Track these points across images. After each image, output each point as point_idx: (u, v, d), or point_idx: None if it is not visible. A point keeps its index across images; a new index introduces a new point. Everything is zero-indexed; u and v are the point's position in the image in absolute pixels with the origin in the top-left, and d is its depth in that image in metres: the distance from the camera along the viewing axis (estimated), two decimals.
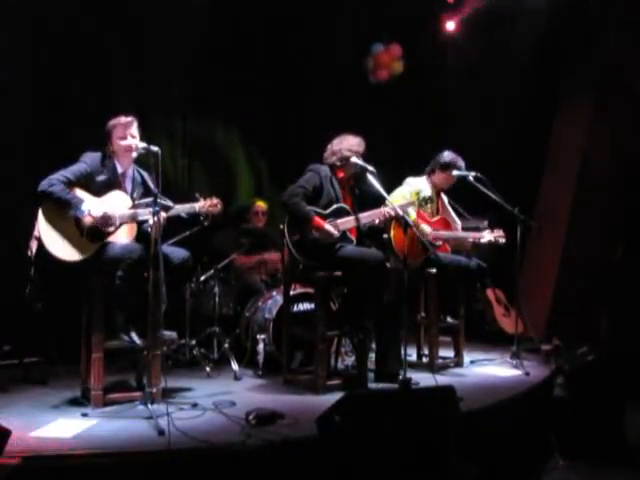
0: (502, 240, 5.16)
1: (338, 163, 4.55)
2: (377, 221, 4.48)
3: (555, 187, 7.10)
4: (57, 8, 5.35)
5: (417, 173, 5.20)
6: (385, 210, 4.44)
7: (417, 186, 5.03)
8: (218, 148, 6.71)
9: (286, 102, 6.80)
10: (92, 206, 3.84)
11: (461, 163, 5.11)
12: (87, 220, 3.83)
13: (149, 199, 3.81)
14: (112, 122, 4.06)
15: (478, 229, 5.36)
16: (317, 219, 4.34)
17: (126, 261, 3.82)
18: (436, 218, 5.13)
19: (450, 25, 7.33)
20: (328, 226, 4.34)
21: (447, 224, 5.17)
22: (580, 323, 6.27)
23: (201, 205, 4.08)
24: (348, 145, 4.55)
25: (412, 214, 4.88)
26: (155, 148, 3.82)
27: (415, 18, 7.06)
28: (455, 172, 5.11)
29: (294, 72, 6.82)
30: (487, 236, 5.13)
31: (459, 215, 5.36)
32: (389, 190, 4.68)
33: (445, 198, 5.29)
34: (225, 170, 6.76)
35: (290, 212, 4.38)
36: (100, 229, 3.87)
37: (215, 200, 4.13)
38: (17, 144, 5.20)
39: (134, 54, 5.83)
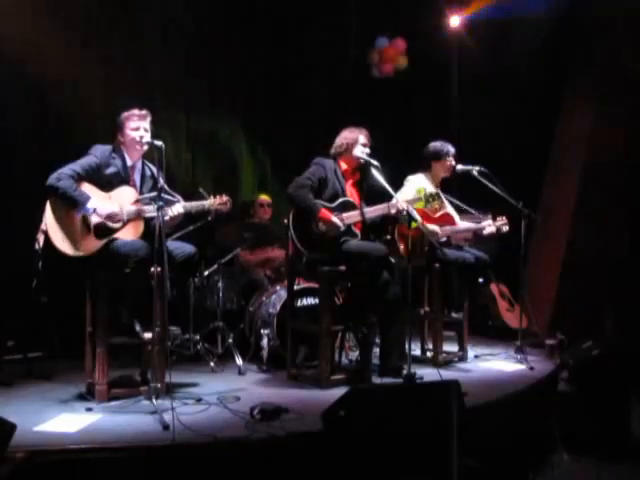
0: (506, 227, 5.15)
1: (333, 151, 4.61)
2: (393, 211, 4.44)
3: (558, 183, 7.10)
4: (60, 4, 5.36)
5: (417, 170, 5.22)
6: (398, 204, 4.39)
7: (418, 183, 5.02)
8: (221, 143, 6.72)
9: (290, 97, 6.79)
10: (98, 204, 3.81)
11: (451, 147, 5.15)
12: (93, 219, 3.82)
13: (154, 194, 3.78)
14: (126, 113, 4.04)
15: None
16: (324, 211, 4.34)
17: (132, 259, 3.80)
18: (440, 213, 5.11)
19: (454, 20, 7.29)
20: (335, 218, 4.34)
21: (451, 219, 5.15)
22: (584, 317, 6.25)
23: (211, 203, 4.06)
24: (343, 136, 4.63)
25: (417, 218, 4.86)
26: (159, 143, 3.79)
27: (419, 12, 7.03)
28: (460, 166, 5.14)
29: (298, 66, 6.81)
30: (490, 227, 5.12)
31: (461, 211, 5.35)
32: (393, 185, 4.66)
33: (442, 195, 5.27)
34: (228, 165, 6.76)
35: (297, 204, 4.37)
36: (107, 226, 3.86)
37: (225, 198, 4.10)
38: (22, 138, 5.20)
39: (137, 49, 5.82)
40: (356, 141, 4.56)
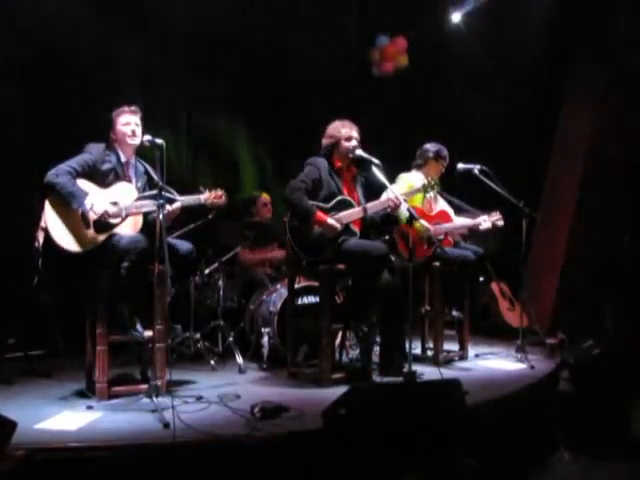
0: (501, 222, 5.14)
1: (322, 152, 4.56)
2: (389, 209, 4.44)
3: (559, 183, 7.10)
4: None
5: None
6: (394, 197, 4.33)
7: (411, 180, 5.01)
8: (222, 142, 6.71)
9: (290, 95, 6.78)
10: (96, 200, 3.83)
11: (447, 153, 5.17)
12: (91, 215, 3.83)
13: (154, 191, 3.79)
14: (117, 110, 4.09)
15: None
16: (319, 213, 4.31)
17: (132, 252, 3.80)
18: (436, 211, 5.11)
19: (455, 16, 7.28)
20: (331, 220, 4.31)
21: (447, 216, 5.15)
22: (585, 316, 6.26)
23: (206, 197, 4.09)
24: (328, 134, 4.58)
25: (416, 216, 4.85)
26: (160, 141, 3.81)
27: (420, 8, 7.02)
28: (461, 165, 5.14)
29: (298, 64, 6.80)
30: (486, 223, 5.11)
31: (461, 210, 5.35)
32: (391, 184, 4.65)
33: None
34: (229, 164, 6.76)
35: (292, 207, 4.36)
36: (107, 221, 3.87)
37: (220, 192, 4.13)
38: (22, 136, 5.20)
39: (139, 49, 5.82)
40: (340, 137, 4.50)
